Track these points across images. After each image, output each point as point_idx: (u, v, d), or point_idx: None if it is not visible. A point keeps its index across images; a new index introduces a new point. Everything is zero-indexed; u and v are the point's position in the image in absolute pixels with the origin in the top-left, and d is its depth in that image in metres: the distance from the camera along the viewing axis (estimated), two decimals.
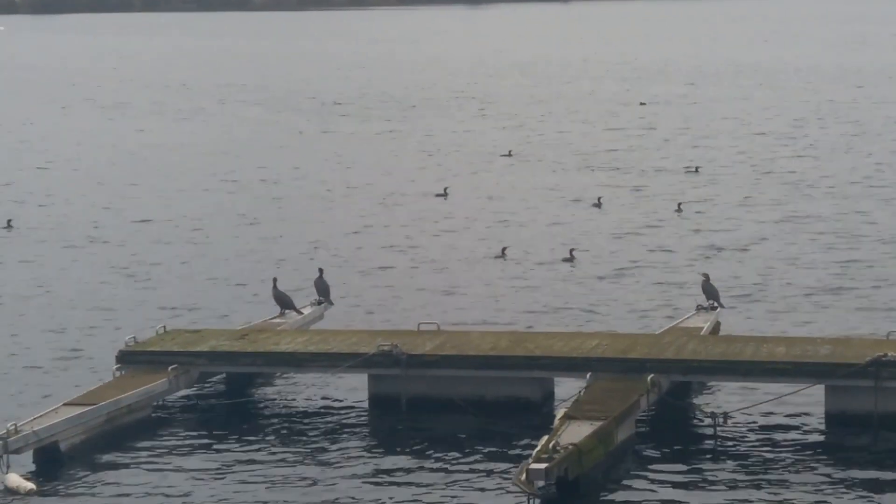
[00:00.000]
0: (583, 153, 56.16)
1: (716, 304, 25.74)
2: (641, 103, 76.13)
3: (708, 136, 61.18)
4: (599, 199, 43.03)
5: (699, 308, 25.73)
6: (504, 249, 35.70)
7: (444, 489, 18.85)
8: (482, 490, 18.75)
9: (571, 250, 35.24)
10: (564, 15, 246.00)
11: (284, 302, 25.96)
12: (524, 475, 17.61)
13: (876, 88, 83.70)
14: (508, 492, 18.12)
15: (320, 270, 27.73)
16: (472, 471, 19.47)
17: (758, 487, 18.66)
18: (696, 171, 49.07)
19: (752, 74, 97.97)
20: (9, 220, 41.98)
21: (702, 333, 23.86)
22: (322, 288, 27.07)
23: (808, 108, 72.69)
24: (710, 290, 25.98)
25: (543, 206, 43.07)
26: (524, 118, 71.76)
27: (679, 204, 41.47)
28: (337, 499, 18.44)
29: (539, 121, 70.32)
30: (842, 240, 36.28)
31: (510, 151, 55.74)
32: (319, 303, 26.86)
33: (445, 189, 45.59)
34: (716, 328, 24.81)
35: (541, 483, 17.65)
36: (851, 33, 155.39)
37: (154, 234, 39.65)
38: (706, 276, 26.51)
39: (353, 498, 18.44)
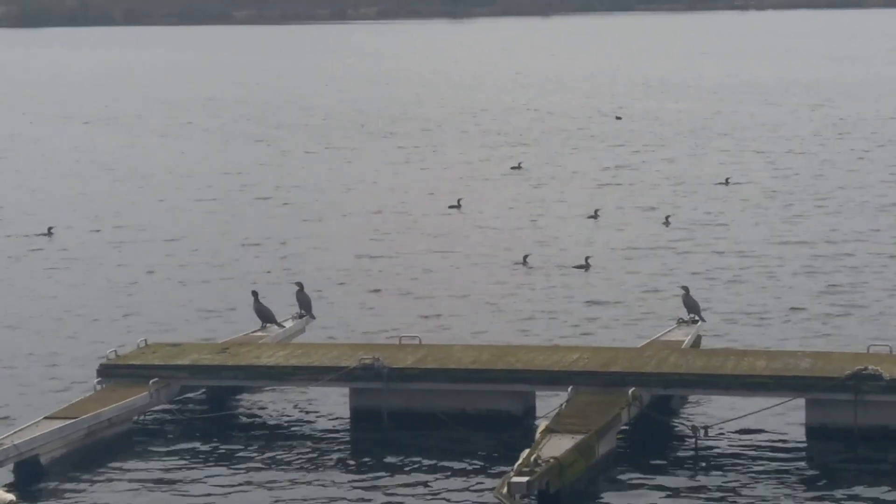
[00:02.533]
0: (580, 168, 56.14)
1: (696, 318, 25.71)
2: (617, 118, 76.19)
3: (695, 150, 61.37)
4: (596, 211, 43.00)
5: (680, 321, 25.71)
6: (526, 257, 35.93)
7: (425, 502, 18.85)
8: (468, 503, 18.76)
9: (587, 258, 35.39)
10: (547, 28, 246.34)
11: (265, 315, 25.88)
12: (506, 489, 17.58)
13: (854, 103, 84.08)
14: None
15: (300, 284, 27.67)
16: (453, 484, 19.47)
17: (738, 501, 18.69)
18: (727, 182, 49.18)
19: (737, 89, 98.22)
20: (49, 228, 42.01)
21: (683, 347, 23.85)
22: (303, 301, 27.00)
23: (797, 124, 73.00)
24: (690, 304, 25.97)
25: (542, 219, 43.20)
26: (524, 133, 71.53)
27: (667, 217, 41.50)
28: None
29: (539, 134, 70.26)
30: (822, 254, 36.27)
31: (520, 164, 55.68)
32: (301, 316, 26.77)
33: (459, 200, 45.55)
34: (697, 342, 24.80)
35: (522, 497, 17.56)
36: (830, 48, 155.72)
37: (135, 247, 39.51)
38: (686, 290, 26.52)
39: None
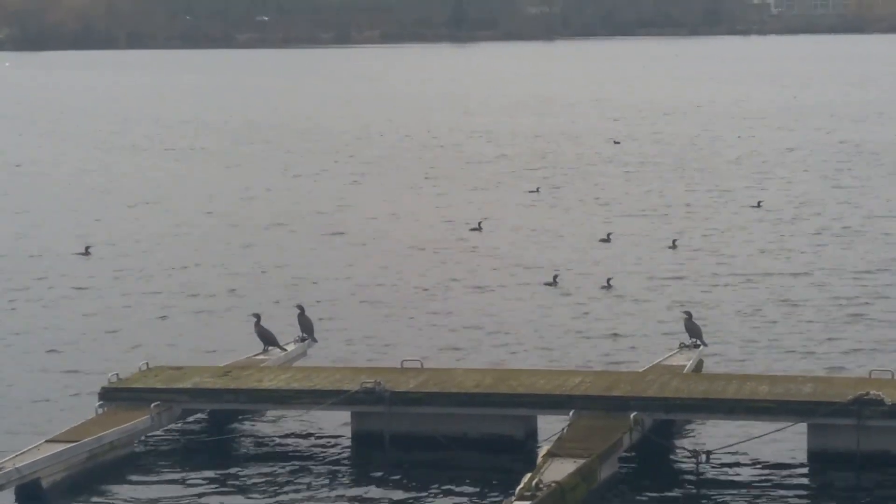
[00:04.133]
0: (592, 190, 56.46)
1: (698, 342, 25.74)
2: (615, 141, 76.28)
3: (696, 173, 61.55)
4: (609, 234, 43.09)
5: (682, 346, 25.74)
6: (556, 277, 36.17)
7: None
8: None
9: (609, 279, 35.62)
10: (550, 53, 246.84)
11: (268, 339, 25.90)
12: None
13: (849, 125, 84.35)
14: None
15: (301, 307, 27.66)
16: None
17: None
18: (759, 205, 49.53)
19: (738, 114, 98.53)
20: (87, 247, 42.32)
21: (685, 371, 23.87)
22: (305, 324, 27.00)
23: (797, 146, 73.21)
24: (692, 328, 25.98)
25: (554, 241, 43.43)
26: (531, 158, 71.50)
27: (674, 241, 41.67)
28: None
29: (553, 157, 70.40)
30: (825, 278, 36.37)
31: (538, 187, 55.91)
32: (303, 339, 26.78)
33: (480, 223, 45.78)
34: (698, 366, 24.85)
35: None
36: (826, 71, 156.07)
37: (136, 270, 39.61)
38: (689, 314, 26.55)
39: None
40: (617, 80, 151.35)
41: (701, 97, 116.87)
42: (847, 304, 33.13)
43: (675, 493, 20.14)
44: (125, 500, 20.05)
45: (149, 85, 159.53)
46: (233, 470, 21.36)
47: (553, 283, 36.10)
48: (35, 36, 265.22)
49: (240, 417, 23.73)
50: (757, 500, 19.73)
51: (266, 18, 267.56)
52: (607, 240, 42.56)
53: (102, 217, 51.20)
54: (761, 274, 36.91)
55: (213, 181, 63.54)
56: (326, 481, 20.82)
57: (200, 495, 20.31)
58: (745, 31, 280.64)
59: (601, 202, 52.61)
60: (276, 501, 19.99)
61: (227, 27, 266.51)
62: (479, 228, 45.32)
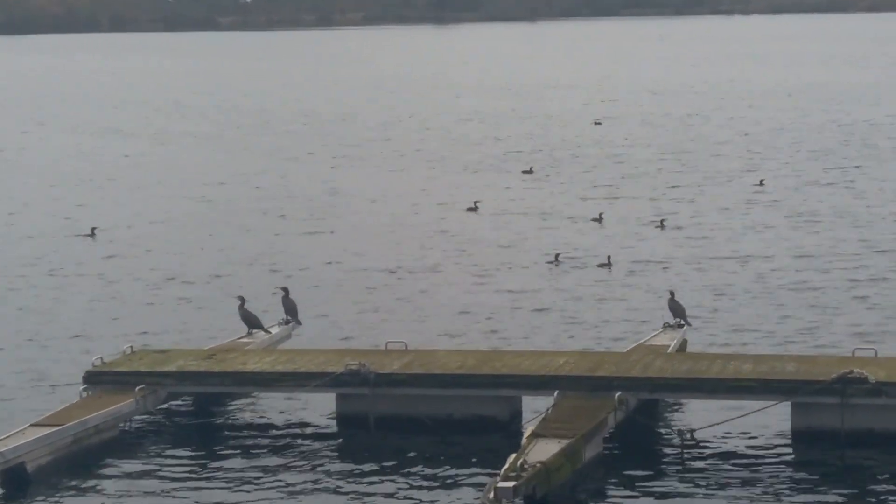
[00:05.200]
0: (580, 171, 56.36)
1: (682, 322, 25.79)
2: (595, 122, 76.23)
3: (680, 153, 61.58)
4: (601, 214, 43.13)
5: (666, 326, 25.77)
6: (557, 255, 36.34)
7: None
8: None
9: (609, 257, 35.79)
10: (534, 33, 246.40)
11: (252, 321, 25.88)
12: (492, 494, 17.62)
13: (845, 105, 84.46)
14: None
15: (285, 290, 27.59)
16: (440, 489, 19.54)
17: None
18: (762, 184, 49.62)
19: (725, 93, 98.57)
20: (93, 229, 42.54)
21: (668, 351, 23.88)
22: (290, 307, 26.97)
23: (783, 128, 73.29)
24: (676, 308, 26.02)
25: (542, 221, 43.45)
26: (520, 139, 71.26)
27: (662, 220, 41.86)
28: None
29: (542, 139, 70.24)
30: (809, 258, 36.41)
31: (531, 168, 55.89)
32: (287, 322, 26.75)
33: (476, 203, 45.84)
34: (682, 345, 24.86)
35: (509, 502, 17.59)
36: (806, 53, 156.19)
37: (119, 254, 39.62)
38: (672, 294, 26.59)
39: None
40: (601, 61, 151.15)
41: (688, 77, 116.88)
42: (831, 284, 33.15)
43: (660, 472, 20.19)
44: (110, 484, 20.08)
45: (132, 68, 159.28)
46: (217, 453, 21.40)
47: (555, 261, 36.18)
48: (18, 20, 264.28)
49: (225, 400, 23.69)
50: (741, 479, 19.80)
51: (249, 1, 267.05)
52: (599, 220, 42.58)
53: (86, 202, 51.20)
54: (747, 255, 36.93)
55: (199, 165, 63.49)
56: (311, 463, 20.88)
57: (185, 478, 20.33)
58: (729, 11, 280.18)
59: (591, 183, 52.52)
60: (262, 484, 20.00)
61: (210, 10, 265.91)
62: (475, 209, 45.32)
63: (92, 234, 42.02)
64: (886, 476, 19.86)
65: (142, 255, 39.56)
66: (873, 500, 19.05)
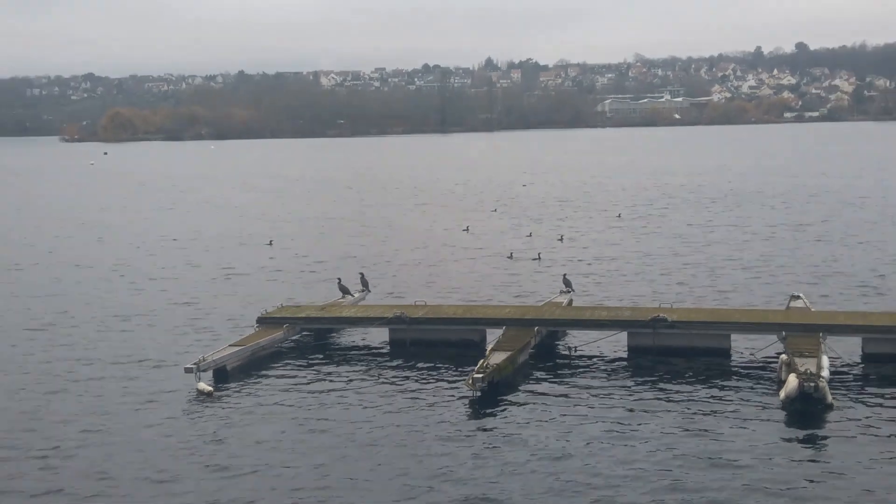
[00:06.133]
0: (529, 209, 54.81)
1: (570, 290, 25.78)
2: (523, 185, 73.63)
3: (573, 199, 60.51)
4: (531, 233, 41.86)
5: (561, 291, 25.76)
6: (511, 254, 35.00)
7: (428, 389, 18.92)
8: (451, 388, 18.82)
9: (539, 254, 34.69)
10: (492, 139, 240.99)
11: (344, 290, 25.98)
12: (470, 381, 17.94)
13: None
14: (463, 395, 18.30)
15: (362, 273, 27.66)
16: (443, 379, 19.51)
17: (591, 384, 18.82)
18: (620, 217, 47.42)
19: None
20: (270, 240, 40.95)
21: (563, 305, 23.98)
22: (364, 283, 27.13)
23: (626, 189, 71.25)
24: (567, 282, 26.11)
25: (502, 235, 42.19)
26: (496, 194, 69.86)
27: (562, 236, 40.72)
28: (368, 399, 18.46)
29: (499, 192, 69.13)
30: (645, 257, 34.79)
31: (496, 209, 53.91)
32: (363, 291, 26.81)
33: (468, 226, 44.56)
34: (570, 302, 24.78)
35: (479, 385, 17.89)
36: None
37: (283, 254, 38.57)
38: (565, 275, 26.75)
39: (376, 399, 18.26)
40: (526, 153, 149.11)
41: (571, 162, 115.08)
42: (653, 272, 32.08)
43: (558, 370, 20.07)
44: (272, 379, 19.95)
45: (273, 158, 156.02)
46: (326, 359, 21.32)
47: (510, 257, 34.69)
48: (224, 129, 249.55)
49: (330, 332, 23.54)
50: (600, 372, 19.78)
51: (342, 121, 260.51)
52: (530, 235, 41.11)
53: (269, 226, 49.77)
54: (610, 258, 35.46)
55: (316, 204, 61.52)
56: (374, 365, 20.79)
57: (309, 372, 20.32)
58: (593, 125, 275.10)
59: (525, 216, 51.36)
60: (347, 376, 19.84)
61: (320, 126, 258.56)
62: (467, 230, 44.36)
63: (270, 244, 40.77)
64: (675, 367, 19.72)
65: (298, 253, 38.43)
66: (670, 377, 18.99)
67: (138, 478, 14.81)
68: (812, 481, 13.94)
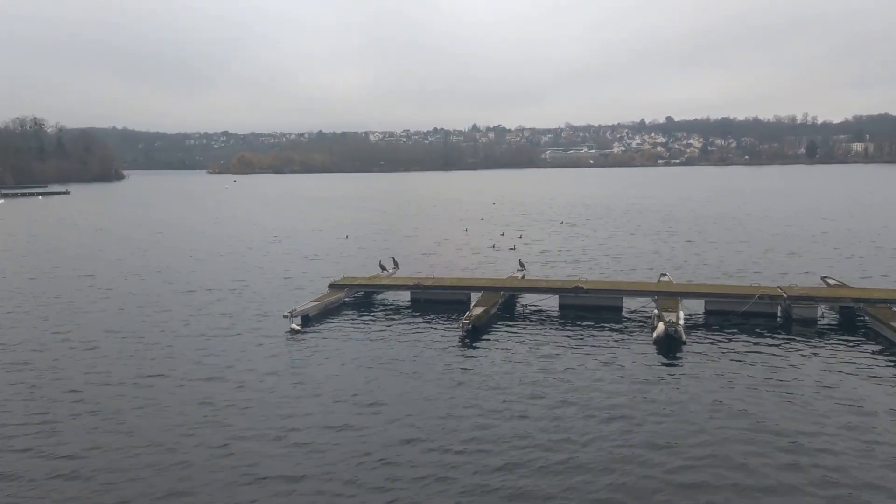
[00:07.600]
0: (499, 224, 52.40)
1: (524, 269, 25.48)
2: (493, 203, 67.52)
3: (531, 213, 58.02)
4: (503, 233, 40.40)
5: (518, 270, 25.45)
6: (494, 245, 32.85)
7: (435, 329, 18.46)
8: (449, 329, 18.50)
9: (515, 246, 32.78)
10: (478, 176, 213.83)
11: (383, 267, 25.63)
12: (461, 325, 18.05)
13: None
14: (456, 333, 17.96)
15: (394, 258, 27.56)
16: (441, 326, 19.05)
17: (533, 331, 18.46)
18: (562, 223, 43.75)
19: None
20: (346, 235, 38.06)
21: (519, 278, 23.63)
22: (396, 263, 27.01)
23: (573, 203, 68.95)
24: (522, 264, 25.89)
25: (488, 234, 40.28)
26: (485, 208, 66.65)
27: (520, 235, 39.19)
28: (396, 336, 17.87)
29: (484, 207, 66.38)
30: (571, 251, 32.15)
31: (483, 217, 51.58)
32: (395, 267, 26.60)
33: (466, 229, 41.99)
34: (524, 276, 24.25)
35: (466, 328, 17.80)
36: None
37: (355, 243, 36.29)
38: (521, 260, 26.74)
39: (402, 335, 17.77)
40: (497, 184, 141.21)
41: (527, 189, 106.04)
42: (588, 257, 29.94)
43: (517, 320, 19.47)
44: (335, 322, 19.52)
45: (338, 185, 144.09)
46: (376, 314, 20.53)
47: (493, 247, 32.64)
48: (308, 168, 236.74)
49: (373, 294, 22.71)
50: (546, 320, 19.14)
51: (382, 163, 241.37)
52: (502, 234, 38.91)
53: (347, 228, 45.88)
54: (543, 251, 32.29)
55: (364, 213, 57.87)
56: (402, 316, 20.16)
57: (360, 319, 19.80)
58: (539, 167, 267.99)
59: (503, 224, 49.13)
60: (385, 322, 19.31)
61: (368, 165, 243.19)
62: (466, 231, 42.90)
63: (346, 238, 38.30)
64: (588, 319, 19.18)
65: (361, 246, 36.21)
66: (585, 326, 18.51)
67: (254, 378, 15.36)
68: (672, 399, 13.87)
